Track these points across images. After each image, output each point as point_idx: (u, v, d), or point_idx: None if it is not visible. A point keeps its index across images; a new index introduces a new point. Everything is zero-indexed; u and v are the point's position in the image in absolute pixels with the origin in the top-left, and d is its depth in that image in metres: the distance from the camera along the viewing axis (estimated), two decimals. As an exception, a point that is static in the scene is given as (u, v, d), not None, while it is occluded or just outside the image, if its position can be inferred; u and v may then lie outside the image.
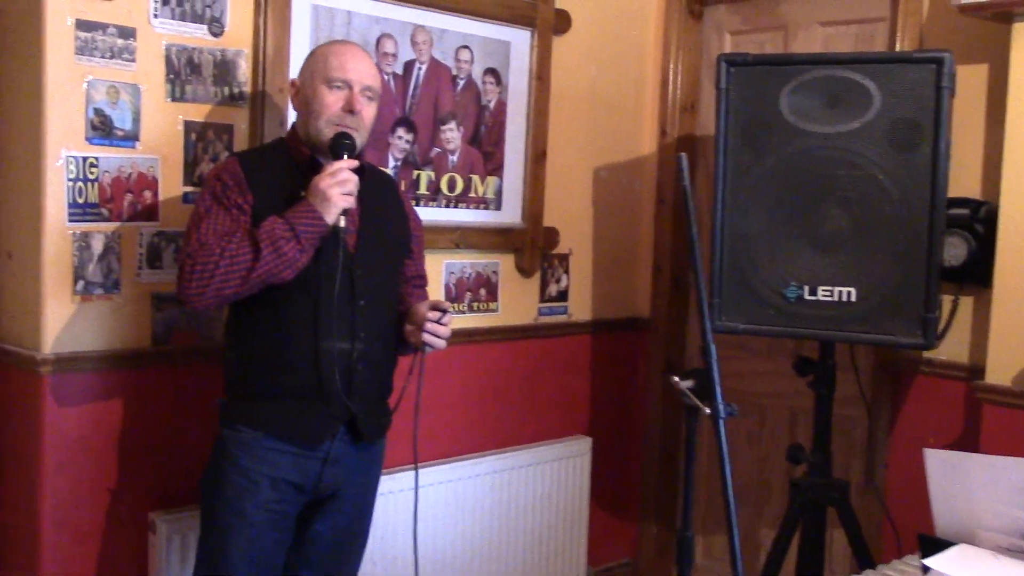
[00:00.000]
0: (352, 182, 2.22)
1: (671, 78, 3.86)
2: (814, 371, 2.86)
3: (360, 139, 2.35)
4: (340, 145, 2.28)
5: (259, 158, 2.39)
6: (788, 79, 2.68)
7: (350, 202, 2.22)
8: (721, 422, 1.80)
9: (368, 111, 2.36)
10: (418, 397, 2.35)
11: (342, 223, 2.23)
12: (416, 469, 2.44)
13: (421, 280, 2.64)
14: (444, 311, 2.35)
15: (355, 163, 2.26)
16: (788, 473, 3.46)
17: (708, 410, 1.83)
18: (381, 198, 2.49)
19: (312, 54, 2.42)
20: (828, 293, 2.66)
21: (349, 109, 2.30)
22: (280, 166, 2.35)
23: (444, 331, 2.36)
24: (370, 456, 2.48)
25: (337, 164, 2.23)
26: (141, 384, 2.67)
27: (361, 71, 2.34)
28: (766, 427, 3.75)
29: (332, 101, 2.31)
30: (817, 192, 2.68)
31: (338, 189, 2.19)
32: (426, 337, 2.34)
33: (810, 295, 2.69)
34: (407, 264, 2.57)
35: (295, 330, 2.28)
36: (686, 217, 1.91)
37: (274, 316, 2.29)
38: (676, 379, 1.86)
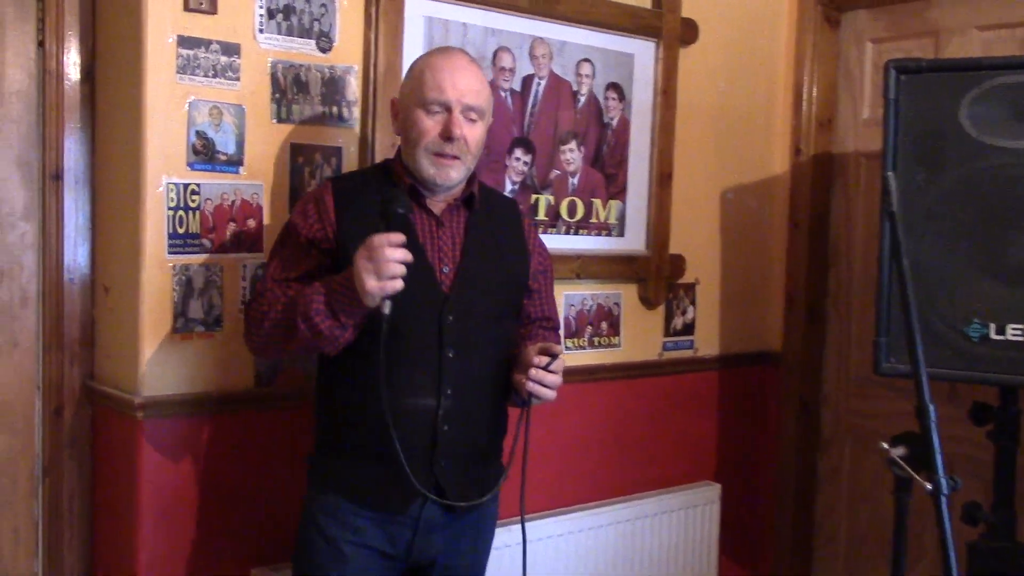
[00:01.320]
0: (392, 263, 1.83)
1: (805, 91, 3.55)
2: (994, 420, 2.50)
3: (465, 165, 2.07)
4: (385, 212, 1.91)
5: (358, 184, 2.14)
6: (969, 87, 2.35)
7: (392, 289, 1.84)
8: (943, 499, 1.48)
9: (472, 133, 2.06)
10: (524, 453, 2.02)
11: (386, 310, 1.85)
12: (523, 523, 2.10)
13: (549, 323, 2.32)
14: (554, 356, 2.01)
15: (400, 238, 1.86)
16: (959, 534, 3.08)
17: (929, 485, 1.50)
18: (495, 229, 2.18)
19: (411, 70, 2.14)
20: (1019, 332, 2.30)
21: (447, 136, 2.01)
22: (378, 190, 2.04)
23: (552, 379, 2.00)
24: (473, 521, 2.17)
25: (377, 240, 1.84)
26: (244, 428, 2.45)
27: (461, 88, 2.03)
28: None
29: (430, 127, 2.03)
30: (1005, 216, 2.34)
31: (373, 277, 1.83)
32: (530, 387, 2.00)
33: (997, 334, 2.33)
34: (527, 305, 2.26)
35: (376, 384, 1.94)
36: (894, 252, 1.59)
37: (356, 367, 2.03)
38: (885, 446, 1.55)
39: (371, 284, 1.83)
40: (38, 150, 2.44)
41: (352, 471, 2.06)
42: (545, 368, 1.99)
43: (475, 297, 2.08)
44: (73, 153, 2.46)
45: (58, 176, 2.45)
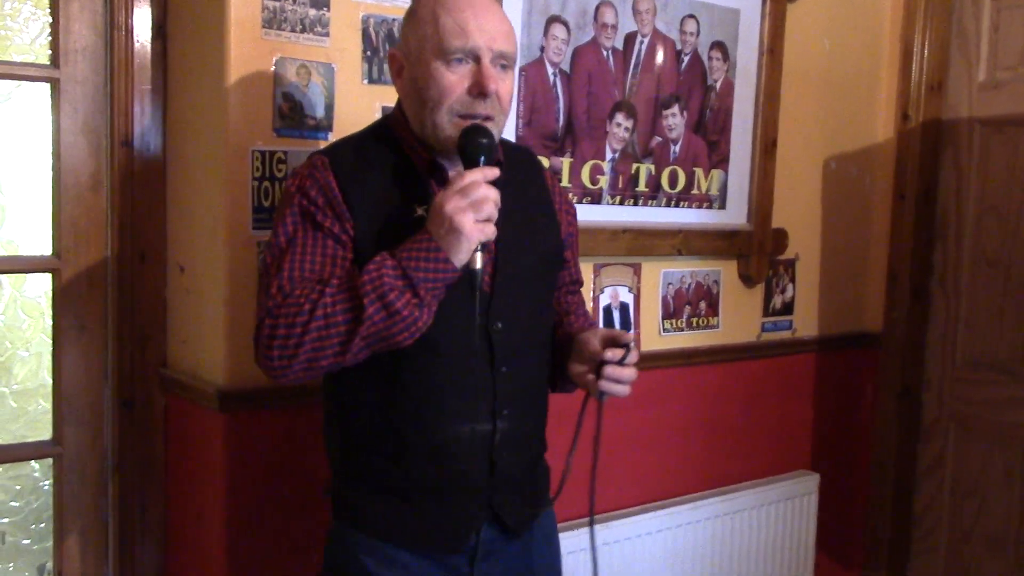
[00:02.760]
0: (492, 202, 1.53)
1: (916, 52, 3.27)
2: None
3: (498, 130, 1.67)
4: (474, 148, 1.58)
5: (359, 158, 1.68)
6: None
7: (490, 233, 1.54)
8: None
9: (505, 87, 1.64)
10: (595, 454, 1.70)
11: (478, 263, 1.55)
12: (592, 527, 1.82)
13: (575, 286, 1.97)
14: (627, 347, 1.66)
15: (495, 172, 1.56)
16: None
17: None
18: (522, 196, 1.74)
19: (413, 13, 1.67)
20: None
21: (481, 91, 1.60)
22: (388, 170, 1.67)
23: (628, 374, 1.67)
24: (536, 535, 1.84)
25: (470, 176, 1.53)
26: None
27: (490, 30, 1.61)
28: (1034, 466, 3.15)
29: (454, 82, 1.60)
30: None
31: (471, 215, 1.51)
32: (604, 385, 1.66)
33: None
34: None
35: (415, 408, 1.65)
36: None
37: (386, 386, 1.66)
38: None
39: (470, 226, 1.50)
40: (106, 114, 2.21)
41: (391, 510, 1.70)
42: (619, 363, 1.66)
43: (519, 293, 1.71)
44: (144, 118, 2.22)
45: (128, 143, 2.21)
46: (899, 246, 3.35)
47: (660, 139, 2.76)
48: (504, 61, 1.64)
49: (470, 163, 1.57)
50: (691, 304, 2.90)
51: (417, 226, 1.57)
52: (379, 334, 1.52)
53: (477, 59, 1.61)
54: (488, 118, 1.62)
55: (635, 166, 2.71)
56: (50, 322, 2.22)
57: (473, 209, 1.51)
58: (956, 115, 3.27)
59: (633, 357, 1.67)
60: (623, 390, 1.68)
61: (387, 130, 1.74)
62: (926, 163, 3.30)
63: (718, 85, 2.86)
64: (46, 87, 2.17)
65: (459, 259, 1.53)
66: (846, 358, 3.39)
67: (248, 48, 2.04)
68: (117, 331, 2.25)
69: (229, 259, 2.08)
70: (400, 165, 1.69)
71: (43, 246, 2.21)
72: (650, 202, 2.76)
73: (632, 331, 2.77)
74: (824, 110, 3.20)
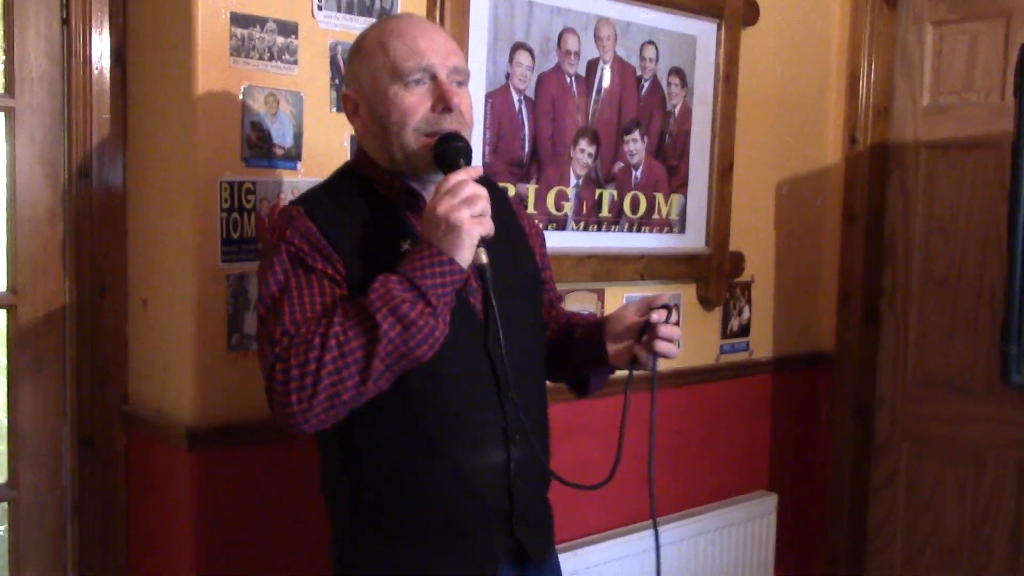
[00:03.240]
0: (484, 198, 1.52)
1: (862, 77, 3.34)
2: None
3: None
4: (451, 151, 1.57)
5: (333, 203, 1.65)
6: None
7: (488, 227, 1.52)
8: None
9: (465, 101, 1.64)
10: (652, 434, 1.68)
11: (484, 257, 1.53)
12: (656, 531, 1.78)
13: (559, 302, 1.97)
14: (668, 307, 1.67)
15: (479, 171, 1.56)
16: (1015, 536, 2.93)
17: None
18: (496, 221, 1.61)
19: (359, 49, 1.67)
20: None
21: (445, 106, 1.59)
22: (364, 210, 1.65)
23: (678, 332, 1.67)
24: (548, 565, 1.81)
25: (455, 176, 1.52)
26: (306, 458, 2.17)
27: (440, 48, 1.62)
28: (984, 480, 3.21)
29: (415, 102, 1.59)
30: None
31: (466, 211, 1.49)
32: (662, 347, 1.64)
33: None
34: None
35: (427, 442, 1.61)
36: None
37: (394, 423, 1.60)
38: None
39: (468, 221, 1.48)
40: (63, 143, 2.13)
41: (407, 556, 1.64)
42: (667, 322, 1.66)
43: (513, 316, 1.65)
44: (103, 147, 2.15)
45: (86, 174, 2.14)
46: (850, 267, 3.41)
47: (622, 164, 2.76)
48: (459, 77, 1.64)
49: (451, 167, 1.56)
50: (653, 328, 2.91)
51: (404, 259, 1.53)
52: (397, 351, 1.47)
53: (433, 77, 1.60)
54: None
55: (598, 192, 2.72)
56: (4, 360, 2.13)
57: (467, 205, 1.50)
58: (902, 138, 3.35)
59: (675, 315, 1.68)
60: (675, 349, 1.67)
61: (354, 173, 1.72)
62: (874, 185, 3.37)
63: (676, 110, 2.88)
64: (0, 116, 2.09)
65: (463, 257, 1.50)
66: (801, 378, 3.43)
67: (216, 76, 1.99)
68: (76, 368, 2.17)
69: (197, 292, 2.02)
70: (375, 204, 1.66)
71: (-2, 281, 2.13)
72: (613, 227, 2.76)
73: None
74: (777, 134, 3.25)
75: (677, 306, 1.71)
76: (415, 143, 1.60)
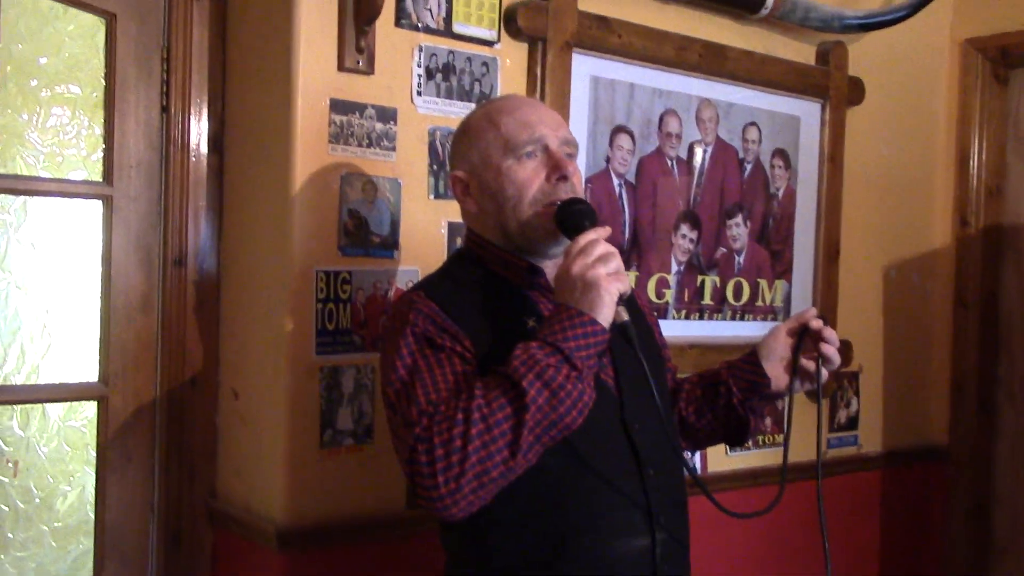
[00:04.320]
0: (617, 255, 1.46)
1: (972, 156, 3.19)
2: None
3: None
4: (575, 213, 1.52)
5: (454, 285, 1.61)
6: None
7: (626, 284, 1.45)
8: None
9: (577, 174, 1.61)
10: (819, 436, 1.75)
11: (624, 315, 1.46)
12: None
13: (677, 372, 1.91)
14: (823, 317, 1.69)
15: (608, 230, 1.49)
16: None
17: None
18: None
19: (467, 129, 1.65)
20: None
21: (560, 176, 1.56)
22: (484, 291, 1.59)
23: (836, 337, 1.66)
24: None
25: (586, 236, 1.46)
26: (400, 559, 2.06)
27: (550, 121, 1.61)
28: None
29: (530, 174, 1.56)
30: None
31: (603, 268, 1.42)
32: (828, 349, 1.63)
33: None
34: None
35: (567, 528, 1.50)
36: None
37: (529, 508, 1.50)
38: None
39: (605, 279, 1.41)
40: (159, 231, 2.10)
41: None
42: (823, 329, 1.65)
43: (645, 391, 1.54)
44: (199, 235, 2.12)
45: (181, 261, 2.10)
46: (963, 355, 3.22)
47: (724, 250, 2.65)
48: (569, 149, 1.61)
49: (575, 231, 1.50)
50: (757, 421, 2.76)
51: (532, 337, 1.45)
52: (547, 419, 1.37)
53: (546, 148, 1.58)
54: None
55: (700, 278, 2.60)
56: (94, 454, 2.08)
57: (602, 263, 1.43)
58: (1017, 220, 3.18)
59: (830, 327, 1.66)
60: (837, 356, 1.66)
61: (469, 256, 1.68)
62: (987, 269, 3.19)
63: (780, 193, 2.77)
64: (98, 204, 2.07)
65: (604, 316, 1.42)
66: (913, 473, 3.23)
67: (313, 164, 1.95)
68: (165, 461, 2.11)
69: (290, 385, 1.95)
70: (493, 284, 1.61)
71: (90, 372, 2.08)
72: (715, 315, 2.64)
73: (696, 454, 2.63)
74: (883, 216, 3.11)
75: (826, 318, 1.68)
76: (532, 214, 1.56)
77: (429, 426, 1.39)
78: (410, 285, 2.07)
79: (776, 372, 1.70)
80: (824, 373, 1.67)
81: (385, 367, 1.53)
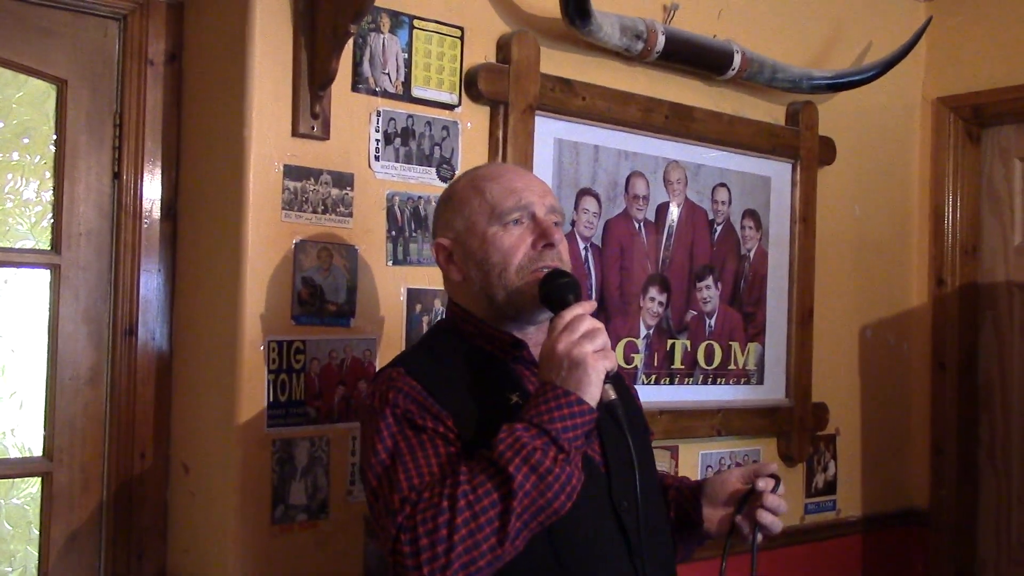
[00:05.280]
0: (603, 331, 1.42)
1: (947, 216, 3.17)
2: None
3: None
4: (559, 288, 1.47)
5: (434, 361, 1.54)
6: None
7: (612, 361, 1.41)
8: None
9: (564, 243, 1.59)
10: None
11: (612, 394, 1.42)
12: None
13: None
14: (777, 478, 1.60)
15: (593, 305, 1.46)
16: None
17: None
18: None
19: (452, 197, 1.61)
20: None
21: (547, 242, 1.53)
22: (466, 365, 1.54)
23: (784, 505, 1.60)
24: None
25: (571, 311, 1.42)
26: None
27: (538, 189, 1.58)
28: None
29: (516, 241, 1.53)
30: None
31: (589, 345, 1.38)
32: (766, 518, 1.57)
33: None
34: None
35: None
36: None
37: None
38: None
39: (591, 356, 1.37)
40: (109, 300, 2.04)
41: None
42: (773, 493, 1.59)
43: (629, 468, 1.49)
44: (150, 305, 2.06)
45: (131, 331, 2.04)
46: (942, 417, 3.17)
47: (695, 313, 2.61)
48: (556, 217, 1.58)
49: (559, 305, 1.46)
50: (732, 487, 2.69)
51: (516, 412, 1.40)
52: (535, 505, 1.33)
53: (532, 216, 1.55)
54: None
55: (670, 342, 2.55)
56: (37, 532, 1.99)
57: (588, 340, 1.39)
58: (993, 279, 3.15)
59: (782, 488, 1.60)
60: (778, 524, 1.59)
61: (450, 329, 1.62)
62: (965, 329, 3.16)
63: (752, 254, 2.73)
64: (46, 273, 2.01)
65: (591, 395, 1.38)
66: (893, 538, 3.16)
67: (266, 231, 1.90)
68: (112, 539, 2.03)
69: (242, 459, 1.88)
70: (476, 358, 1.55)
71: (34, 446, 2.00)
72: (687, 380, 2.59)
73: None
74: (858, 277, 3.07)
75: (780, 479, 1.60)
76: (519, 281, 1.52)
77: (412, 514, 1.33)
78: (367, 354, 2.02)
79: (713, 517, 1.64)
80: (759, 537, 1.59)
81: (365, 449, 1.47)
